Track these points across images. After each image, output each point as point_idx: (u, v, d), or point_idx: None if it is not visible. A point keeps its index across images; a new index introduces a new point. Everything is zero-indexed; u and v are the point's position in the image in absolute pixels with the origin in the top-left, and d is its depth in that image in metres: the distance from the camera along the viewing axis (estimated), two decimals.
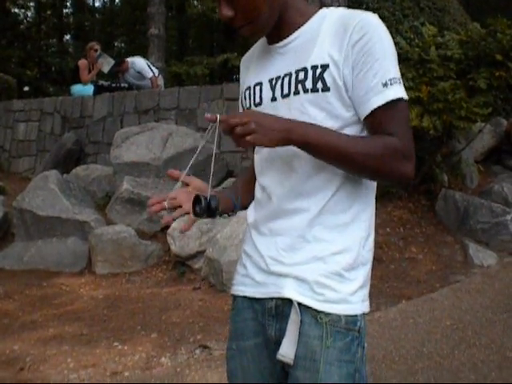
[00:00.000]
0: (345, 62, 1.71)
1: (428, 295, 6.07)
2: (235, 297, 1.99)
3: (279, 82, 1.82)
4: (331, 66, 1.72)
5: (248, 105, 1.94)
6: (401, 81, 1.73)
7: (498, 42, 7.99)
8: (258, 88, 1.90)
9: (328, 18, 1.79)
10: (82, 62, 11.13)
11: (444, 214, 8.09)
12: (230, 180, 8.00)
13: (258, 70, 1.93)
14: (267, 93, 1.86)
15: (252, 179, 2.06)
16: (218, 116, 1.61)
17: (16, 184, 10.23)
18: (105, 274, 6.92)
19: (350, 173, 1.76)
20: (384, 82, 1.69)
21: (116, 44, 27.99)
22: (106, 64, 11.16)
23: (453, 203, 8.01)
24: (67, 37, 28.39)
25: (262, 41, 1.96)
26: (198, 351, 4.78)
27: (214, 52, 16.79)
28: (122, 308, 5.84)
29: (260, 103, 1.88)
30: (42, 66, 24.28)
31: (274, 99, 1.84)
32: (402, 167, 1.70)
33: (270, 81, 1.86)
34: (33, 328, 5.33)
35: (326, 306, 1.74)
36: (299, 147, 1.68)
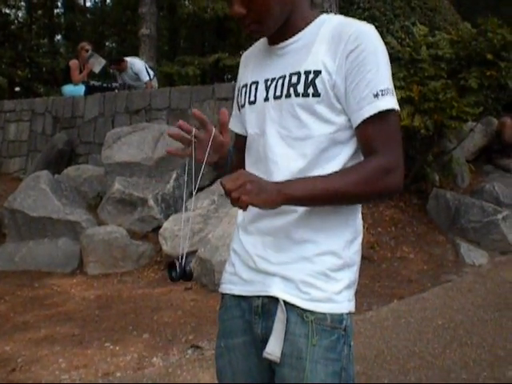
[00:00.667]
0: (338, 71, 1.74)
1: (419, 294, 6.09)
2: (223, 295, 2.03)
3: (273, 84, 1.86)
4: (323, 73, 1.75)
5: (243, 102, 1.98)
6: (393, 92, 1.75)
7: (488, 42, 8.01)
8: (253, 87, 1.94)
9: (326, 25, 1.81)
10: (73, 63, 11.09)
11: (435, 214, 8.12)
12: None
13: (256, 69, 1.97)
14: (261, 92, 1.90)
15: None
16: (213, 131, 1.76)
17: (7, 184, 10.20)
18: (96, 275, 6.91)
19: (347, 205, 1.82)
20: (375, 92, 1.72)
21: (107, 44, 27.93)
22: (97, 64, 11.13)
23: (444, 202, 8.04)
24: (58, 37, 28.33)
25: (264, 40, 1.99)
26: (189, 351, 4.77)
27: (206, 52, 16.77)
28: (114, 308, 5.84)
29: (254, 102, 1.92)
30: (33, 67, 24.20)
31: (266, 99, 1.88)
32: (389, 184, 1.73)
33: (266, 81, 1.89)
34: (24, 329, 5.32)
35: (311, 305, 1.77)
36: (291, 203, 1.72)
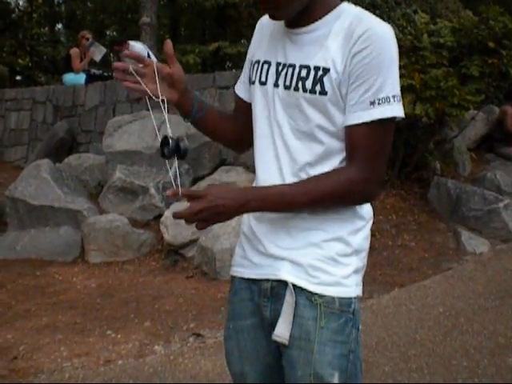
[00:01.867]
0: (344, 69, 1.73)
1: (420, 282, 6.09)
2: (233, 277, 2.05)
3: (284, 71, 1.85)
4: (332, 71, 1.74)
5: (254, 79, 1.96)
6: (395, 99, 1.74)
7: (490, 30, 8.00)
8: (266, 66, 1.92)
9: (343, 17, 1.78)
10: (74, 51, 11.07)
11: (436, 202, 8.11)
12: (223, 168, 7.99)
13: (269, 48, 1.95)
14: (272, 76, 1.89)
15: (230, 120, 2.16)
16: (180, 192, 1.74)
17: (8, 173, 10.20)
18: (98, 263, 6.91)
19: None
20: (372, 100, 1.71)
21: (108, 33, 27.85)
22: (98, 53, 11.10)
23: (445, 191, 8.02)
24: (59, 25, 28.25)
25: None
26: (191, 339, 4.78)
27: (206, 40, 16.74)
28: (115, 297, 5.85)
29: (264, 83, 1.91)
30: (34, 55, 24.17)
31: (276, 85, 1.87)
32: (361, 195, 1.79)
33: (278, 65, 1.88)
34: (26, 317, 5.33)
35: (320, 288, 1.79)
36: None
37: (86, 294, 5.98)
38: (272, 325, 1.85)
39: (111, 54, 11.27)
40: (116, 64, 1.85)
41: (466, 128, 8.97)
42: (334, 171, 1.79)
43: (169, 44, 1.88)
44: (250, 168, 7.56)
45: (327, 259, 1.81)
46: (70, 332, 4.96)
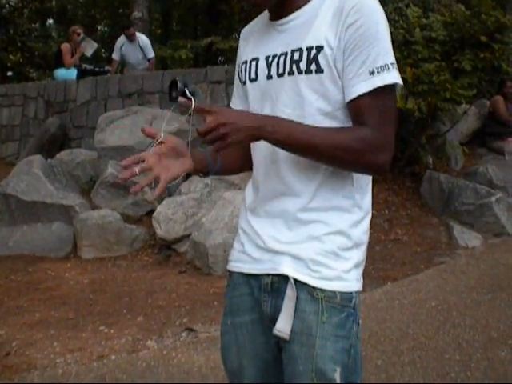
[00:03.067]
0: (338, 44, 1.71)
1: (413, 276, 6.10)
2: (231, 272, 2.01)
3: (275, 61, 1.83)
4: (326, 49, 1.72)
5: (244, 79, 1.95)
6: (393, 66, 1.72)
7: (482, 24, 8.00)
8: (254, 63, 1.91)
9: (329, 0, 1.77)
10: (65, 46, 11.04)
11: (429, 196, 8.13)
12: None
13: (257, 45, 1.93)
14: (263, 70, 1.87)
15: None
16: (193, 103, 1.68)
17: (0, 169, 10.17)
18: (90, 259, 6.90)
19: (325, 164, 1.78)
20: (371, 69, 1.69)
21: (99, 28, 27.78)
22: (89, 48, 11.09)
23: (437, 185, 8.04)
24: (50, 21, 28.14)
25: (265, 15, 1.96)
26: (184, 334, 4.78)
27: (198, 35, 16.72)
28: (108, 292, 5.84)
29: (255, 79, 1.90)
30: (25, 51, 24.07)
31: (269, 77, 1.85)
32: (374, 159, 1.71)
33: (267, 58, 1.86)
34: (19, 313, 5.32)
35: (321, 283, 1.77)
36: (269, 143, 1.72)
37: (79, 289, 5.97)
38: (272, 320, 1.83)
39: (103, 50, 11.23)
40: (122, 176, 1.83)
41: (458, 122, 8.99)
42: (350, 128, 1.76)
43: (145, 131, 1.87)
44: None
45: (328, 253, 1.79)
46: (62, 328, 4.95)
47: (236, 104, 2.11)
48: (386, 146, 1.72)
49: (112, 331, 4.86)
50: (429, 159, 8.66)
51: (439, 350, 4.41)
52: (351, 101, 1.73)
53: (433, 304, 5.33)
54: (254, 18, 1.96)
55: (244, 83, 1.96)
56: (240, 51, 2.06)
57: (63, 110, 10.55)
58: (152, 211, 7.22)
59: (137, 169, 1.79)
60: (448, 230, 7.43)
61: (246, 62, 1.95)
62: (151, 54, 11.47)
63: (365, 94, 1.70)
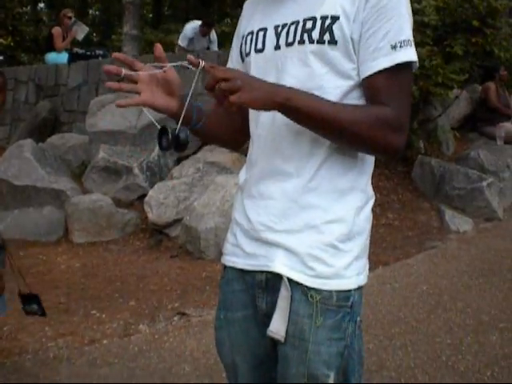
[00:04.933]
0: (356, 15, 1.60)
1: (404, 261, 6.12)
2: (225, 266, 1.92)
3: (285, 30, 1.71)
4: (342, 19, 1.60)
5: (248, 50, 1.82)
6: (412, 43, 1.62)
7: (474, 9, 8.01)
8: (261, 34, 1.78)
9: None
10: (56, 30, 10.98)
11: (420, 181, 8.15)
12: (207, 148, 7.96)
13: (265, 14, 1.80)
14: (271, 40, 1.74)
15: (224, 119, 1.93)
16: (202, 63, 1.55)
17: None
18: (82, 243, 6.89)
19: (336, 142, 1.66)
20: (393, 43, 1.58)
21: (90, 12, 27.66)
22: (81, 31, 11.05)
23: (429, 170, 8.06)
24: (41, 5, 27.99)
25: None
26: (175, 318, 4.79)
27: (190, 19, 16.66)
28: (100, 276, 5.83)
29: (262, 50, 1.77)
30: (16, 35, 23.94)
31: (277, 47, 1.72)
32: (391, 139, 1.61)
33: (276, 27, 1.73)
34: (9, 298, 5.29)
35: (317, 282, 1.67)
36: (282, 112, 1.58)
37: (70, 273, 5.96)
38: (268, 316, 1.74)
39: (94, 34, 11.19)
40: (107, 67, 1.63)
41: (450, 107, 9.01)
42: (370, 106, 1.63)
43: (159, 47, 1.67)
44: None
45: (326, 246, 1.67)
46: (54, 312, 4.94)
47: None
48: (403, 128, 1.62)
49: (104, 315, 4.86)
50: (420, 144, 8.67)
51: (430, 334, 4.44)
52: (369, 76, 1.62)
53: (424, 288, 5.35)
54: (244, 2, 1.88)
55: (248, 55, 1.82)
56: (243, 22, 1.93)
57: (54, 94, 10.50)
58: (143, 196, 7.20)
59: (123, 70, 1.64)
60: (439, 215, 7.45)
61: (251, 33, 1.82)
62: (216, 49, 11.48)
63: (385, 69, 1.59)
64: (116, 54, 1.66)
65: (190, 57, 1.53)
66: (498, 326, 4.55)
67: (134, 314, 4.89)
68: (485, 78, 9.88)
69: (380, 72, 1.59)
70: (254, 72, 1.76)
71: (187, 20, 14.29)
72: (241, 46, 1.88)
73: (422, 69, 7.26)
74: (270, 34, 1.75)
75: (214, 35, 11.49)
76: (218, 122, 1.91)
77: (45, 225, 7.28)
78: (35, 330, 4.61)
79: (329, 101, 1.60)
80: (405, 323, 4.62)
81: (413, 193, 7.99)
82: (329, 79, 1.64)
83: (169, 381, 3.82)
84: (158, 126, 1.67)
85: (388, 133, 1.59)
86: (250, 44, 1.81)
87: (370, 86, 1.63)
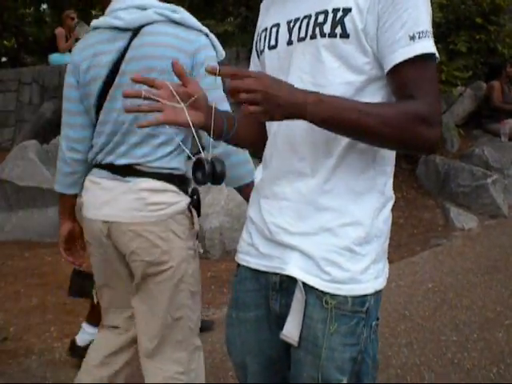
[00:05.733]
0: (370, 8, 1.55)
1: (409, 258, 6.11)
2: (239, 265, 1.89)
3: (297, 25, 1.67)
4: (354, 11, 1.55)
5: (262, 47, 1.80)
6: (431, 35, 1.56)
7: (477, 6, 8.00)
8: (274, 29, 1.75)
9: None
10: (59, 31, 10.98)
11: (425, 178, 8.14)
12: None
13: (279, 10, 1.76)
14: (284, 35, 1.71)
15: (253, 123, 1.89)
16: (218, 70, 1.45)
17: None
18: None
19: (369, 144, 1.60)
20: (412, 34, 1.52)
21: (93, 12, 27.67)
22: (84, 32, 11.03)
23: (434, 167, 8.05)
24: (44, 6, 28.01)
25: None
26: None
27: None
28: None
29: (275, 46, 1.74)
30: (20, 36, 23.97)
31: (290, 43, 1.69)
32: (425, 133, 1.53)
33: (289, 22, 1.70)
34: (16, 298, 5.32)
35: (332, 287, 1.62)
36: (311, 123, 1.52)
37: None
38: (281, 317, 1.72)
39: None
40: (126, 92, 1.59)
41: (454, 104, 9.00)
42: (398, 102, 1.58)
43: (177, 64, 1.60)
44: None
45: (342, 250, 1.62)
46: (59, 312, 4.95)
47: None
48: (436, 120, 1.54)
49: None
50: None
51: (436, 331, 4.43)
52: (392, 70, 1.56)
53: (429, 286, 5.35)
54: (249, 1, 1.87)
55: (262, 52, 1.80)
56: (260, 21, 1.89)
57: (58, 95, 10.48)
58: None
59: (143, 92, 1.57)
60: (444, 212, 7.44)
61: (265, 30, 1.79)
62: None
63: (406, 61, 1.53)
64: (135, 78, 1.59)
65: (207, 67, 1.46)
66: (504, 322, 4.55)
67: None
68: (490, 75, 9.85)
69: (402, 65, 1.54)
70: (268, 69, 1.74)
71: None
72: (256, 44, 1.86)
73: None
74: (283, 29, 1.72)
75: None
76: (249, 126, 1.88)
77: (49, 226, 7.28)
78: (41, 330, 4.61)
79: (354, 103, 1.54)
80: (410, 321, 4.62)
81: (417, 190, 7.98)
82: (341, 74, 1.60)
83: None
84: (193, 158, 1.62)
85: (420, 128, 1.52)
86: (264, 41, 1.79)
87: (395, 79, 1.58)
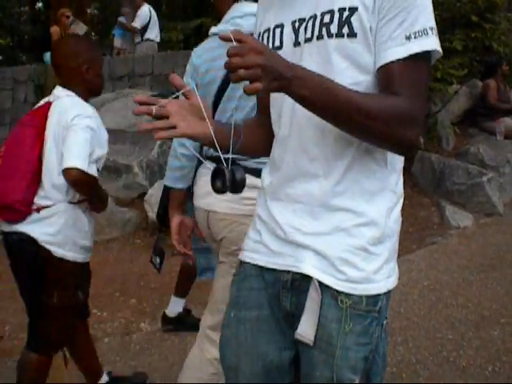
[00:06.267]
0: (373, 4, 1.54)
1: (405, 257, 6.11)
2: (243, 262, 1.85)
3: (303, 25, 1.65)
4: (360, 10, 1.54)
5: None
6: (433, 32, 1.56)
7: (473, 3, 8.00)
8: (278, 30, 1.72)
9: None
10: (54, 29, 10.99)
11: (420, 176, 8.14)
12: None
13: (280, 10, 1.73)
14: (289, 36, 1.69)
15: (258, 123, 1.91)
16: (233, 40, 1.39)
17: None
18: None
19: (350, 133, 1.59)
20: (408, 34, 1.53)
21: (89, 11, 27.61)
22: (79, 31, 11.04)
23: (429, 165, 8.05)
24: (39, 4, 27.97)
25: None
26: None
27: (188, 17, 16.62)
28: (100, 275, 5.81)
29: (280, 47, 1.71)
30: (15, 35, 23.93)
31: (297, 44, 1.67)
32: (404, 133, 1.54)
33: (293, 23, 1.68)
34: (11, 297, 5.28)
35: (347, 286, 1.63)
36: (292, 98, 1.50)
37: None
38: (291, 316, 1.71)
39: (92, 32, 11.20)
40: (138, 110, 1.57)
41: (450, 102, 8.99)
42: (382, 94, 1.57)
43: (175, 77, 1.62)
44: None
45: (357, 249, 1.63)
46: None
47: None
48: (417, 120, 1.56)
49: (105, 314, 4.87)
50: (420, 139, 8.65)
51: (431, 330, 4.44)
52: (382, 66, 1.56)
53: (425, 284, 5.36)
54: None
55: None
56: (259, 20, 1.86)
57: None
58: (144, 194, 7.20)
59: (154, 108, 1.56)
60: (440, 210, 7.44)
61: (268, 30, 1.76)
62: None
63: (398, 60, 1.53)
64: (137, 98, 1.58)
65: (223, 34, 1.41)
66: (500, 320, 4.56)
67: (135, 312, 4.89)
68: (486, 74, 9.84)
69: (393, 63, 1.54)
70: None
71: (185, 17, 14.26)
72: None
73: None
74: (288, 30, 1.70)
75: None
76: (253, 135, 1.88)
77: None
78: None
79: (345, 89, 1.52)
80: (406, 319, 4.63)
81: (413, 188, 7.98)
82: (349, 74, 1.59)
83: (170, 379, 3.82)
84: (211, 168, 1.62)
85: (403, 126, 1.54)
86: (267, 42, 1.75)
87: (384, 75, 1.57)
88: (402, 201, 1.76)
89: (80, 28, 11.03)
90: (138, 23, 11.00)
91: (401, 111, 1.53)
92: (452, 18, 8.05)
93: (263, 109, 1.90)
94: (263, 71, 1.38)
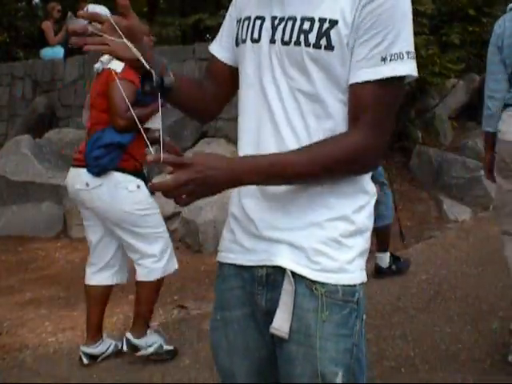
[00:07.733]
0: (353, 22, 1.52)
1: (403, 250, 6.12)
2: (221, 264, 1.83)
3: (282, 25, 1.62)
4: (340, 24, 1.53)
5: (244, 37, 1.72)
6: (409, 56, 1.54)
7: None
8: (258, 22, 1.69)
9: None
10: (46, 24, 10.91)
11: (418, 171, 8.14)
12: (205, 140, 7.95)
13: (262, 1, 1.70)
14: (267, 32, 1.66)
15: (202, 84, 1.89)
16: (162, 157, 1.44)
17: None
18: (80, 238, 6.85)
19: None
20: (384, 55, 1.51)
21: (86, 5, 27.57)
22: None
23: (427, 159, 8.06)
24: (36, 0, 27.95)
25: None
26: (175, 311, 4.80)
27: (186, 12, 16.60)
28: None
29: (258, 40, 1.68)
30: (12, 31, 23.90)
31: (272, 41, 1.64)
32: (366, 163, 1.61)
33: (273, 19, 1.65)
34: (10, 293, 5.31)
35: (322, 276, 1.60)
36: None
37: (70, 268, 5.97)
38: (268, 314, 1.66)
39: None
40: (72, 26, 1.52)
41: (447, 96, 8.99)
42: (336, 137, 1.57)
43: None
44: (232, 140, 7.52)
45: (330, 241, 1.61)
46: (54, 307, 4.95)
47: (216, 49, 1.90)
48: (377, 149, 1.58)
49: None
50: (418, 134, 8.66)
51: (430, 323, 4.44)
52: (352, 85, 1.55)
53: (423, 277, 5.36)
54: None
55: (244, 41, 1.73)
56: (239, 4, 1.83)
57: (51, 89, 10.47)
58: None
59: (89, 28, 1.53)
60: (438, 204, 7.45)
61: (248, 19, 1.73)
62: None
63: (368, 81, 1.53)
64: (80, 13, 1.55)
65: (150, 158, 1.45)
66: (498, 314, 4.55)
67: (133, 307, 4.88)
68: (483, 67, 9.84)
69: (364, 83, 1.54)
70: (249, 62, 1.71)
71: (183, 13, 14.24)
72: (237, 30, 1.79)
73: (419, 58, 7.22)
74: (267, 24, 1.67)
75: None
76: (190, 88, 1.84)
77: (43, 220, 7.28)
78: (35, 325, 4.62)
79: (290, 157, 1.57)
80: (404, 313, 4.63)
81: (411, 183, 7.99)
82: (325, 86, 1.58)
83: (169, 373, 3.83)
84: (148, 67, 1.60)
85: (359, 161, 1.58)
86: (247, 31, 1.73)
87: (353, 95, 1.57)
88: (374, 200, 1.74)
89: (75, 22, 10.99)
90: None
91: (353, 151, 1.55)
92: (449, 12, 8.05)
93: (211, 76, 1.91)
94: (195, 184, 1.48)
